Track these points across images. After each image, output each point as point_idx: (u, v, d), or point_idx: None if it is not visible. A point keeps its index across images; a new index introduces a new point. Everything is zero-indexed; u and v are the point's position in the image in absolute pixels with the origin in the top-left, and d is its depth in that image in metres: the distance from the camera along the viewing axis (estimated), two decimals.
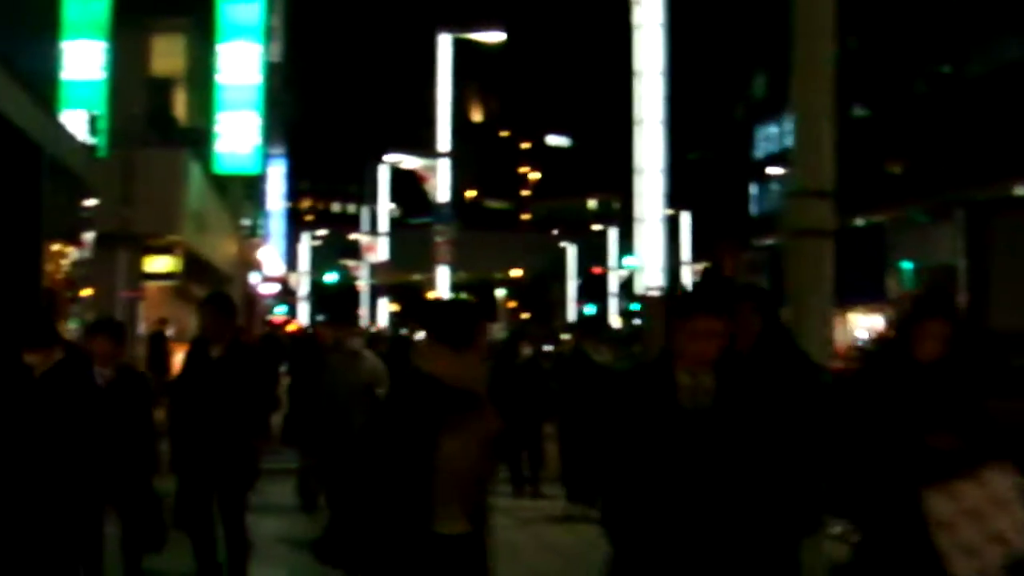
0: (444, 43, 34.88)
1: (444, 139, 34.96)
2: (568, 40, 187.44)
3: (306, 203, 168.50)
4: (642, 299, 13.08)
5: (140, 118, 24.60)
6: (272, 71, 44.97)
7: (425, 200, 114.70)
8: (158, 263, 25.93)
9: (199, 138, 28.89)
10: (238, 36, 31.35)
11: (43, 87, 17.44)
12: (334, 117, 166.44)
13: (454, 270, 37.24)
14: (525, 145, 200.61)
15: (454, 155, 35.10)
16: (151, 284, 27.01)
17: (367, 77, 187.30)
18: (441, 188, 34.73)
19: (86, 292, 19.14)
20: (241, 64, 31.23)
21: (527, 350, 14.67)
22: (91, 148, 18.00)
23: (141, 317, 26.58)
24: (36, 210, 13.69)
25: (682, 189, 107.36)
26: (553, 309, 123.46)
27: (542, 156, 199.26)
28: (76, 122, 20.44)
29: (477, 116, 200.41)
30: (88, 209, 18.93)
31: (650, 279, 12.82)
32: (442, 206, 35.21)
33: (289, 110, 67.47)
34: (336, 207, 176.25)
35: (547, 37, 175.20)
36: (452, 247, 35.57)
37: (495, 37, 36.63)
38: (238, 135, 31.07)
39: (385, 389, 10.50)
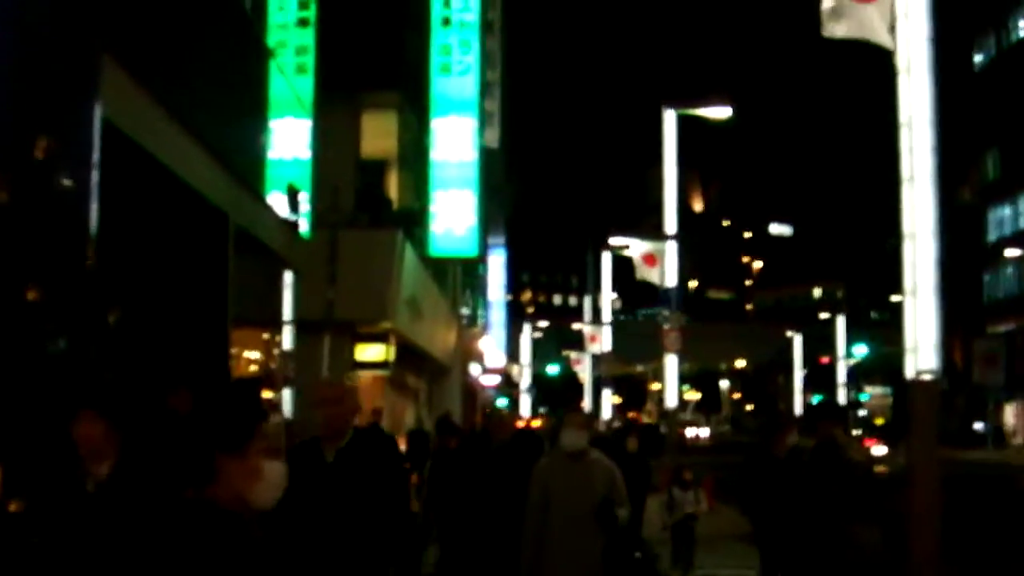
0: (669, 119, 32.93)
1: (671, 220, 32.89)
2: (792, 118, 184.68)
3: (526, 295, 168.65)
4: (914, 384, 11.15)
5: (348, 196, 23.24)
6: (489, 157, 43.75)
7: (645, 291, 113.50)
8: (370, 351, 24.40)
9: (412, 220, 27.44)
10: (452, 111, 29.87)
11: (250, 167, 16.08)
12: (553, 208, 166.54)
13: (681, 360, 34.89)
14: (747, 234, 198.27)
15: (682, 237, 32.97)
16: (363, 373, 25.54)
17: (585, 165, 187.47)
18: (669, 273, 32.60)
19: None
20: (456, 140, 29.74)
21: (792, 437, 11.73)
22: (293, 225, 16.43)
23: None
24: (223, 287, 12.09)
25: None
26: (775, 400, 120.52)
27: (764, 245, 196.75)
28: (281, 203, 19.17)
29: (698, 205, 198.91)
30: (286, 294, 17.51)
31: (923, 361, 11.14)
32: (670, 292, 32.99)
33: (508, 200, 66.55)
34: (557, 299, 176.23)
35: (769, 116, 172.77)
36: (681, 335, 33.29)
37: (722, 113, 34.50)
38: (454, 215, 29.48)
39: (626, 509, 8.92)
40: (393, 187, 28.96)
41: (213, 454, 3.14)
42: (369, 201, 25.16)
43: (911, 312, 11.99)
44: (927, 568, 11.07)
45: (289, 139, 24.00)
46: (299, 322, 18.87)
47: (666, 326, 34.38)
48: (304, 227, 19.02)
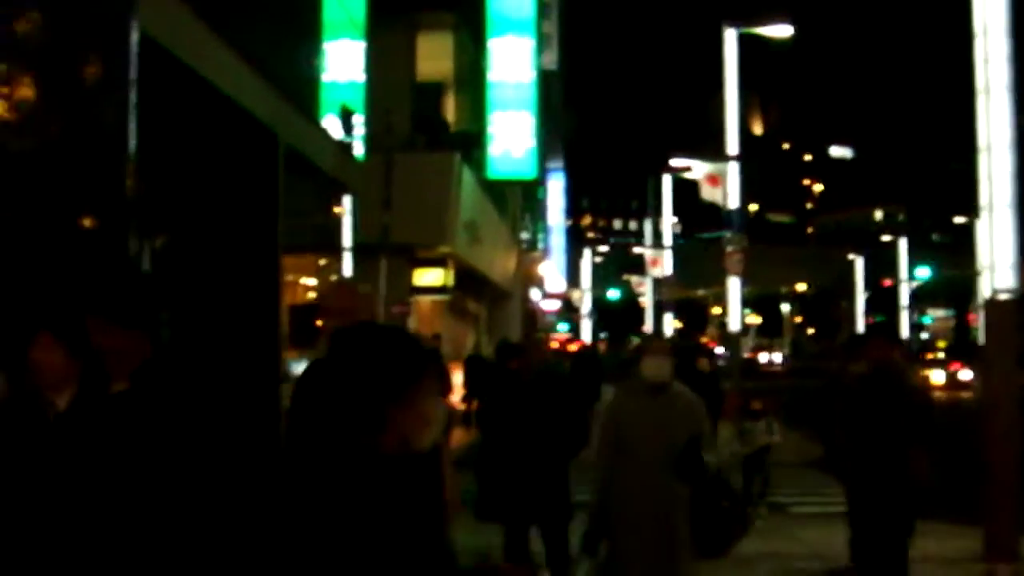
0: (730, 38, 32.15)
1: (733, 141, 32.21)
2: (851, 38, 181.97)
3: (586, 220, 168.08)
4: (990, 304, 10.64)
5: (404, 120, 22.83)
6: (547, 79, 43.10)
7: (706, 214, 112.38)
8: (428, 276, 24.08)
9: (470, 142, 26.96)
10: (509, 31, 29.22)
11: (301, 89, 15.70)
12: (612, 131, 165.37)
13: (742, 284, 34.33)
14: (807, 157, 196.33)
15: (744, 158, 32.32)
16: (421, 298, 25.26)
17: (643, 87, 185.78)
18: (731, 194, 31.98)
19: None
20: (513, 61, 29.11)
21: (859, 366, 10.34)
22: (346, 147, 16.05)
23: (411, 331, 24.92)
24: (273, 209, 11.73)
25: (973, 196, 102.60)
26: (840, 324, 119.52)
27: (825, 168, 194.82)
28: (335, 125, 18.82)
29: (758, 129, 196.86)
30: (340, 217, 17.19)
31: (1000, 280, 10.63)
32: (733, 213, 32.38)
33: (566, 124, 65.83)
34: (617, 224, 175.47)
35: (831, 35, 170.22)
36: (744, 257, 32.70)
37: (783, 31, 33.70)
38: (512, 137, 28.94)
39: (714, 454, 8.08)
40: (450, 110, 28.50)
41: (384, 405, 3.16)
42: (426, 124, 24.72)
43: (986, 229, 11.50)
44: (1005, 487, 10.67)
45: (344, 62, 23.67)
46: (355, 246, 18.56)
47: (729, 248, 33.79)
48: (359, 150, 18.65)
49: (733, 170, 33.86)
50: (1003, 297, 11.06)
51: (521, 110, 29.04)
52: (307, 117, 13.65)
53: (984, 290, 11.35)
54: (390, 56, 23.68)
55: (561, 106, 59.82)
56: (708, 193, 34.58)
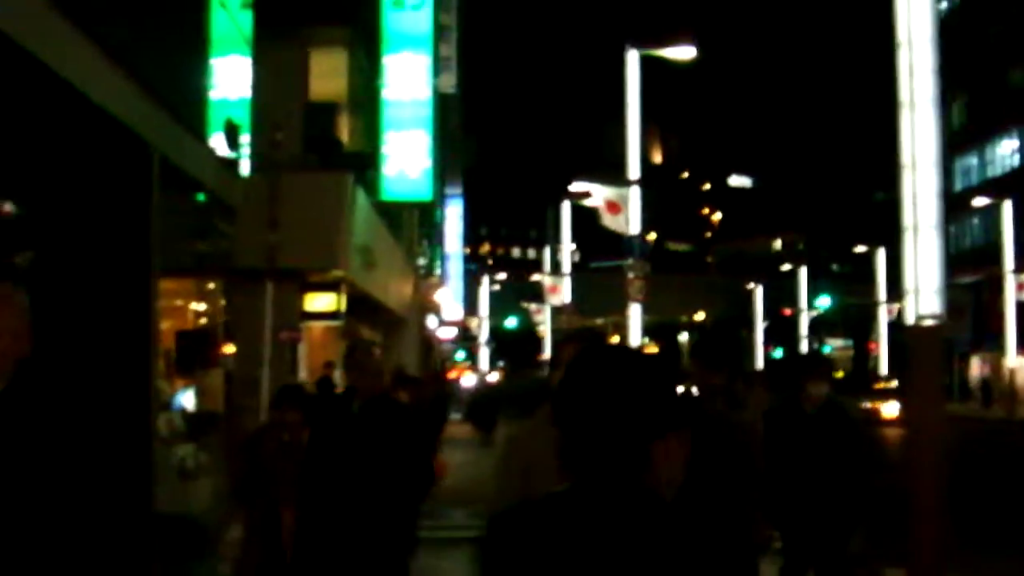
0: (632, 60, 31.74)
1: (634, 166, 31.72)
2: (752, 65, 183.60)
3: (485, 248, 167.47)
4: (915, 330, 10.12)
5: (295, 138, 21.92)
6: (446, 103, 42.39)
7: (605, 242, 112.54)
8: (320, 301, 23.13)
9: (364, 162, 26.07)
10: (405, 47, 28.38)
11: (188, 106, 14.80)
12: (511, 158, 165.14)
13: (645, 310, 33.82)
14: (706, 186, 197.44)
15: (645, 184, 31.83)
16: (313, 324, 24.33)
17: (543, 113, 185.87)
18: (633, 220, 31.44)
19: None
20: (409, 78, 28.28)
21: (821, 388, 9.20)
22: (230, 163, 15.13)
23: (302, 361, 23.86)
24: (146, 225, 10.82)
25: (872, 226, 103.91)
26: (737, 353, 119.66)
27: (724, 197, 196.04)
28: (221, 143, 17.91)
29: (657, 157, 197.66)
30: (226, 239, 16.24)
31: (924, 305, 10.19)
32: (634, 240, 31.84)
33: (465, 151, 65.21)
34: (515, 252, 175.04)
35: (733, 60, 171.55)
36: (645, 285, 32.18)
37: (686, 53, 33.28)
38: (407, 157, 28.04)
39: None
40: (344, 131, 27.65)
41: (649, 440, 2.95)
42: (318, 143, 23.83)
43: (911, 251, 10.87)
44: (929, 522, 10.05)
45: (233, 79, 22.75)
46: (240, 271, 17.60)
47: (630, 275, 33.28)
48: (246, 169, 17.75)
49: (634, 196, 33.35)
50: (928, 323, 10.43)
51: (417, 129, 28.12)
52: (187, 129, 12.73)
53: (909, 316, 10.72)
54: (281, 73, 22.81)
55: (460, 131, 59.18)
56: (609, 220, 34.04)
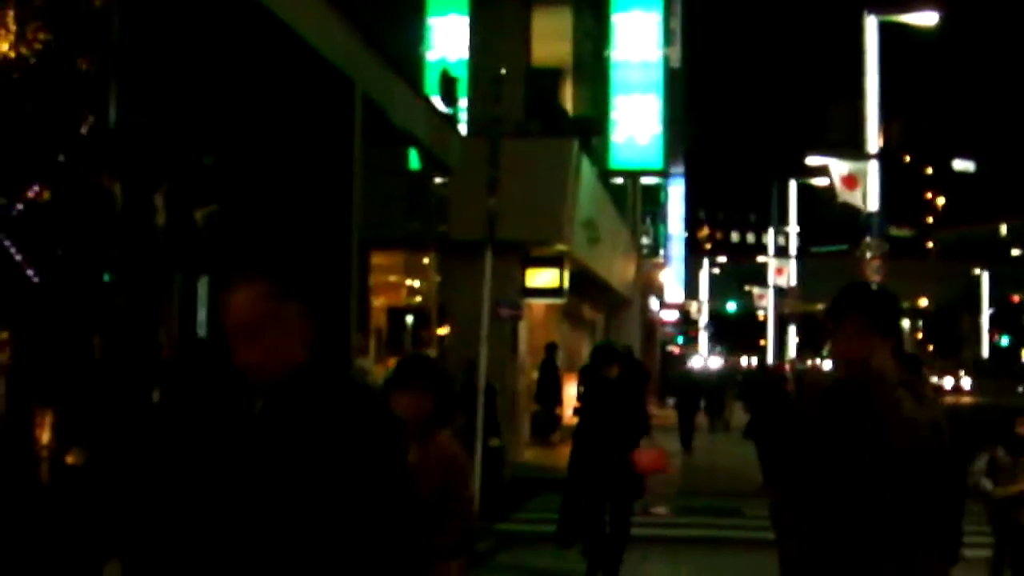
0: (871, 27, 29.43)
1: (873, 139, 29.34)
2: (978, 47, 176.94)
3: (703, 232, 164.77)
4: None
5: (518, 103, 20.36)
6: (672, 77, 40.39)
7: (828, 227, 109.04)
8: (542, 277, 21.49)
9: (590, 129, 24.28)
10: (634, 6, 26.28)
11: (399, 52, 13.30)
12: (731, 140, 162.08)
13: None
14: (929, 170, 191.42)
15: (887, 156, 29.52)
16: (533, 302, 22.75)
17: (764, 92, 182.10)
18: (871, 196, 29.08)
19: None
20: (638, 38, 26.18)
21: None
22: (447, 117, 13.54)
23: (521, 340, 22.24)
24: (348, 174, 9.27)
25: None
26: (962, 341, 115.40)
27: (947, 181, 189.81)
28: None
29: (879, 142, 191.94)
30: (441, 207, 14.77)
31: None
32: (872, 217, 29.48)
33: (687, 131, 62.94)
34: (734, 236, 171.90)
35: (965, 37, 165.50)
36: (884, 264, 29.80)
37: (928, 19, 30.80)
38: (637, 122, 25.92)
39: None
40: (568, 97, 26.00)
41: None
42: (540, 108, 22.20)
43: None
44: None
45: (451, 39, 21.41)
46: (457, 242, 16.11)
47: (868, 254, 30.98)
48: (462, 128, 16.24)
49: (872, 171, 31.06)
50: None
51: (647, 93, 26.01)
52: (399, 75, 11.16)
53: None
54: (502, 34, 21.21)
55: (683, 112, 57.00)
56: (845, 196, 31.83)
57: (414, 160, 14.72)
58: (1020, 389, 65.06)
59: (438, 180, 15.27)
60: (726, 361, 71.69)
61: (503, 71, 16.07)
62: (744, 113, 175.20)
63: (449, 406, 5.50)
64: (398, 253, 17.19)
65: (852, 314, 4.76)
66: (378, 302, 17.59)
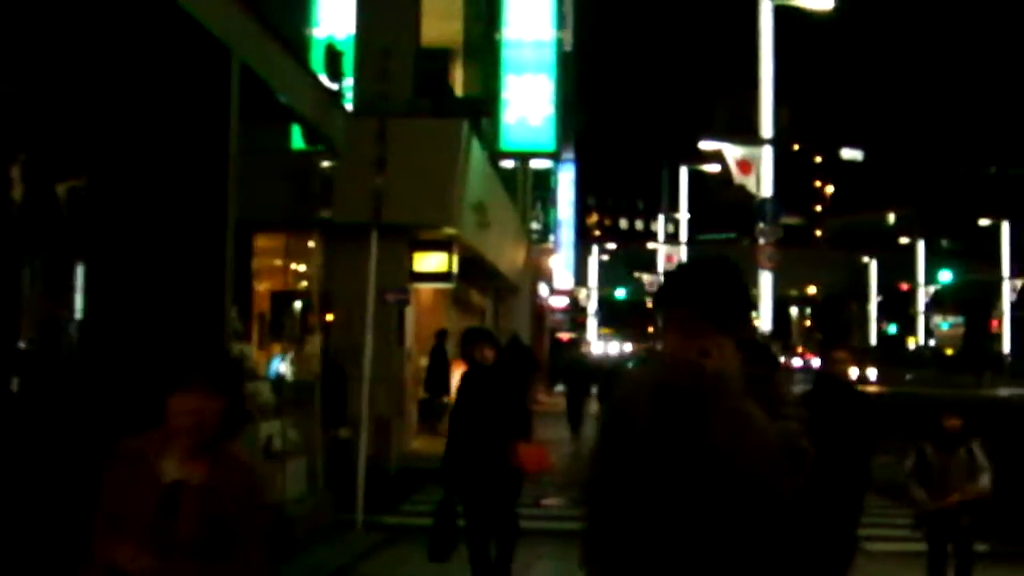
0: (766, 9, 29.26)
1: (767, 123, 29.18)
2: (871, 32, 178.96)
3: (592, 218, 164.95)
4: None
5: (406, 82, 19.79)
6: (564, 62, 39.90)
7: (716, 215, 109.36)
8: (430, 261, 20.95)
9: (480, 109, 23.74)
10: None
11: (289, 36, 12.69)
12: (620, 126, 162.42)
13: (778, 278, 31.33)
14: (818, 159, 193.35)
15: (781, 141, 29.38)
16: (421, 287, 22.22)
17: (655, 78, 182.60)
18: (765, 181, 28.94)
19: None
20: (531, 16, 25.62)
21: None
22: (332, 93, 12.95)
23: (409, 327, 21.70)
24: (223, 148, 8.69)
25: (1001, 198, 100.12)
26: (850, 328, 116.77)
27: (835, 170, 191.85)
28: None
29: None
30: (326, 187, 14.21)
31: None
32: (766, 202, 29.35)
33: (577, 117, 62.49)
34: (623, 223, 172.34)
35: (860, 24, 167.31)
36: (777, 251, 29.70)
37: (823, 3, 30.61)
38: (529, 103, 25.33)
39: None
40: (459, 80, 25.45)
41: None
42: (430, 87, 21.64)
43: None
44: None
45: (338, 15, 20.81)
46: (342, 225, 15.57)
47: (761, 240, 30.88)
48: (348, 108, 15.66)
49: (766, 156, 30.98)
50: None
51: (539, 73, 25.47)
52: (284, 47, 10.57)
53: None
54: (391, 11, 20.58)
55: (575, 93, 56.58)
56: (740, 179, 31.72)
57: (298, 139, 14.12)
58: (908, 376, 65.74)
59: (324, 163, 14.66)
60: (633, 348, 71.58)
61: (389, 46, 15.46)
62: (635, 99, 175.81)
63: (242, 410, 4.40)
64: (282, 236, 16.58)
65: (679, 303, 3.83)
66: (261, 287, 16.98)
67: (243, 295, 15.68)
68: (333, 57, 13.65)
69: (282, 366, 14.70)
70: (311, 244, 20.69)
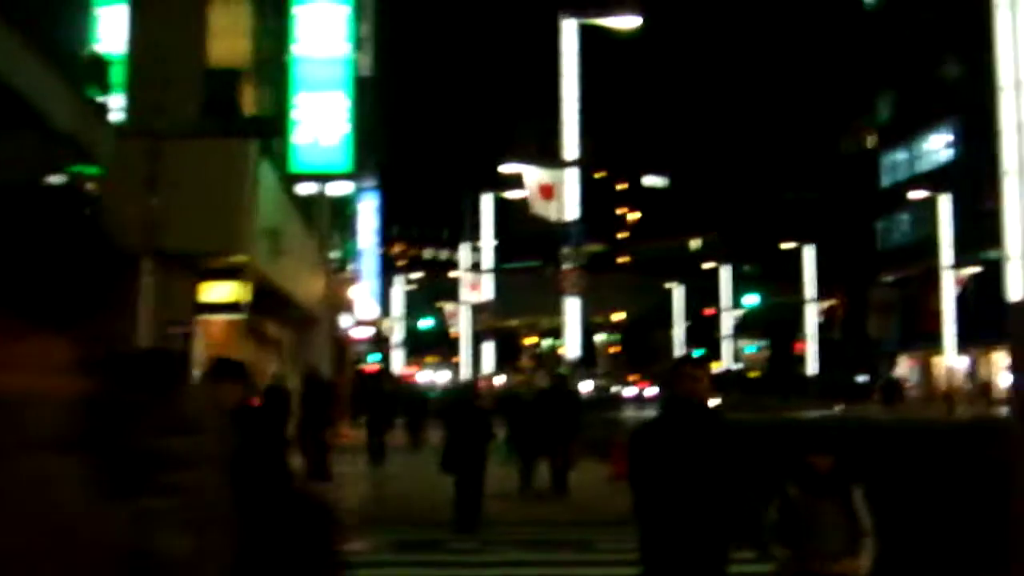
0: (570, 29, 28.70)
1: (572, 144, 28.57)
2: (671, 59, 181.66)
3: (396, 248, 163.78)
4: (1017, 308, 7.83)
5: (188, 99, 18.57)
6: (362, 87, 38.81)
7: (521, 243, 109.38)
8: (218, 291, 19.65)
9: (270, 129, 22.51)
10: None
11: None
12: (423, 154, 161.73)
13: (584, 305, 30.69)
14: (621, 186, 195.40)
15: (587, 163, 28.82)
16: (212, 318, 20.90)
17: (453, 115, 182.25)
18: (569, 204, 28.32)
19: None
20: (324, 31, 24.34)
21: None
22: (96, 105, 11.70)
23: (196, 360, 20.30)
24: None
25: (801, 222, 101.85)
26: (656, 353, 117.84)
27: (639, 197, 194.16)
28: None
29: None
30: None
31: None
32: (570, 226, 28.70)
33: (381, 144, 61.51)
34: (427, 253, 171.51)
35: (651, 50, 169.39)
36: (582, 275, 29.07)
37: (629, 22, 30.14)
38: (322, 122, 24.02)
39: None
40: (249, 101, 24.19)
41: None
42: (217, 107, 20.39)
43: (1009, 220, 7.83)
44: None
45: (117, 32, 19.42)
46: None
47: (565, 265, 30.21)
48: (117, 115, 14.41)
49: (570, 178, 30.35)
50: None
51: (333, 90, 24.21)
52: (36, 52, 9.37)
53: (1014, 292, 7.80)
54: (171, 26, 19.28)
55: (376, 122, 55.53)
56: (541, 207, 31.01)
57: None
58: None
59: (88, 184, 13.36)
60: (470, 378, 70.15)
61: (166, 56, 14.29)
62: (438, 128, 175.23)
63: None
64: None
65: None
66: None
67: None
68: (97, 65, 12.39)
69: None
70: None
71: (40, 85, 9.51)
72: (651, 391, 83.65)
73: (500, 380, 61.00)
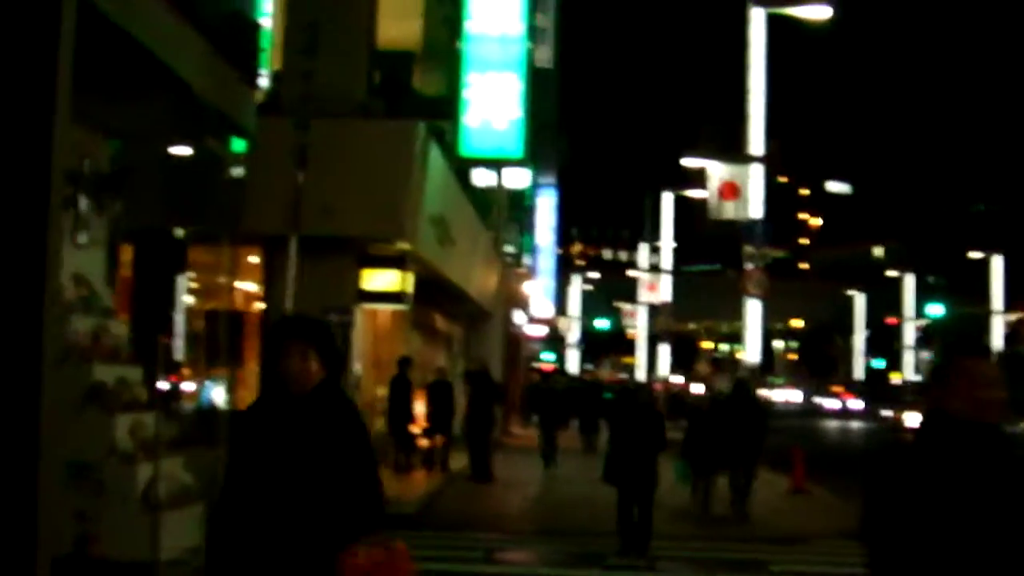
0: (758, 19, 27.33)
1: (758, 138, 27.14)
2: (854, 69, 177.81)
3: (575, 248, 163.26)
4: None
5: (356, 78, 17.81)
6: (541, 80, 37.73)
7: (700, 246, 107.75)
8: (380, 279, 18.78)
9: (440, 110, 21.51)
10: None
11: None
12: (603, 154, 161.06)
13: (764, 310, 29.25)
14: (804, 191, 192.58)
15: (772, 161, 27.46)
16: (375, 308, 20.11)
17: (638, 113, 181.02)
18: (754, 202, 26.88)
19: None
20: (498, 8, 23.12)
21: None
22: (241, 72, 10.71)
23: (356, 351, 19.37)
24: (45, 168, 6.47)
25: (989, 233, 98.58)
26: (835, 362, 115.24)
27: (822, 202, 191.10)
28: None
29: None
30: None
31: None
32: (755, 225, 27.26)
33: (560, 147, 60.23)
34: (607, 254, 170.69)
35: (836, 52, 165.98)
36: (766, 277, 27.60)
37: (820, 13, 28.57)
38: (494, 104, 22.74)
39: None
40: (419, 82, 23.27)
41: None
42: (386, 88, 19.54)
43: None
44: None
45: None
46: (261, 236, 13.50)
47: (748, 265, 28.79)
48: (263, 82, 13.55)
49: (756, 174, 28.92)
50: None
51: (506, 71, 22.88)
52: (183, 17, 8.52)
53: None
54: (340, 5, 18.39)
55: (555, 115, 54.45)
56: (719, 208, 29.67)
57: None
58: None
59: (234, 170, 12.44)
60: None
61: (328, 38, 13.42)
62: (620, 126, 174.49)
63: None
64: (219, 249, 14.46)
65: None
66: (200, 304, 15.08)
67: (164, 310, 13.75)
68: (240, 23, 11.35)
69: (215, 393, 12.85)
70: (254, 260, 18.62)
71: (183, 52, 8.66)
72: (855, 404, 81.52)
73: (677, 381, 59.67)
